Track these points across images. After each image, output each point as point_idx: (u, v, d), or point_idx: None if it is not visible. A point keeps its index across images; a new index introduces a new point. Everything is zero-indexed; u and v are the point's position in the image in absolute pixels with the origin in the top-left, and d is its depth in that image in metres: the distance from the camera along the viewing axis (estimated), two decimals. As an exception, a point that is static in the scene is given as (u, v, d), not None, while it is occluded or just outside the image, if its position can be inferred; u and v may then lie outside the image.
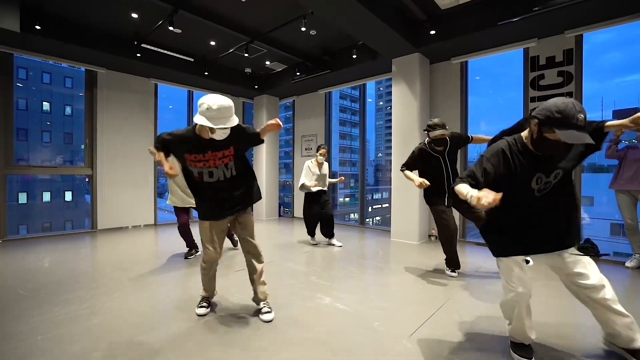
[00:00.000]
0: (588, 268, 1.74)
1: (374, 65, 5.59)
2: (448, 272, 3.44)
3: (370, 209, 39.01)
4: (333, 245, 4.81)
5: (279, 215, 8.24)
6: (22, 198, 23.35)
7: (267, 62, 6.36)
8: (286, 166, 9.36)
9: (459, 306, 2.64)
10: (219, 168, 2.20)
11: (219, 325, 2.28)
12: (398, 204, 5.21)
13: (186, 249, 4.22)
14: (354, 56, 5.34)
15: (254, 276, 2.46)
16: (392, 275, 3.45)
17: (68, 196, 24.68)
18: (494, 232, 1.90)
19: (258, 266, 2.46)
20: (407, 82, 5.04)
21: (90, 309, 2.53)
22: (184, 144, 2.15)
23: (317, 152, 4.80)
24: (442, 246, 3.47)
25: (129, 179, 6.28)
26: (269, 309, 2.41)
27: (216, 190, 2.26)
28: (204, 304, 2.50)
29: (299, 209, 7.88)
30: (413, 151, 3.41)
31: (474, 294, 2.90)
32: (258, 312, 2.44)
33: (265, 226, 6.70)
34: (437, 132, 3.18)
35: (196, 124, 2.10)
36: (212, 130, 2.03)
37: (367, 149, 7.08)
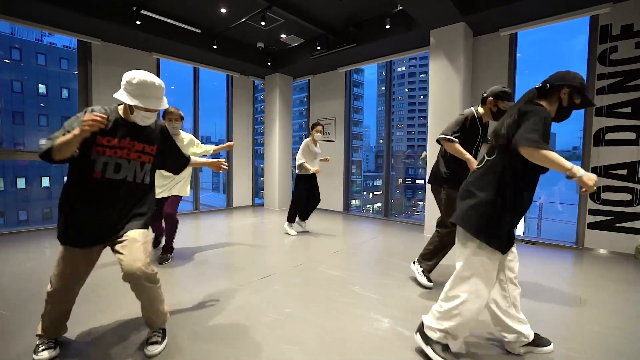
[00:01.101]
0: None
1: (404, 40, 4.91)
2: (422, 277, 2.80)
3: (370, 195, 38.92)
4: (302, 227, 4.81)
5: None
6: (21, 183, 22.79)
7: (283, 36, 5.65)
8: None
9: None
10: (131, 164, 1.74)
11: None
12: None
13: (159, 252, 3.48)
14: (387, 26, 4.62)
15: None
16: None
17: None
18: (497, 223, 1.64)
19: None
20: (449, 56, 4.37)
21: (87, 334, 1.94)
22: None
23: (312, 129, 4.54)
24: (439, 242, 2.82)
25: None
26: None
27: (111, 200, 1.70)
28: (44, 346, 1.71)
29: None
30: (465, 117, 2.68)
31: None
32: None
33: (280, 217, 6.12)
34: (507, 104, 2.55)
35: (120, 104, 1.76)
36: (130, 109, 1.69)
37: (367, 135, 6.46)
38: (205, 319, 2.15)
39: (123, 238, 1.68)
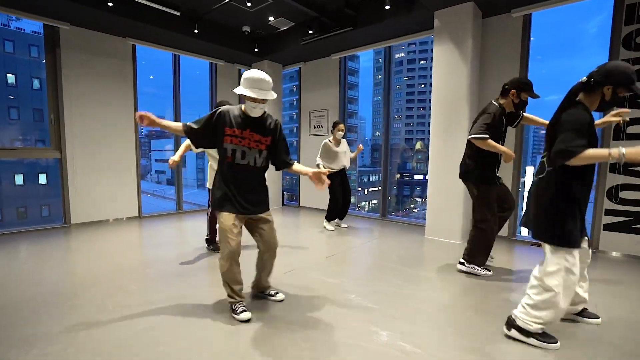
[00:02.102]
0: None
1: (405, 22, 4.79)
2: (481, 270, 3.13)
3: (366, 192, 38.77)
4: (340, 226, 5.22)
5: (282, 204, 7.59)
6: (-7, 181, 22.29)
7: (271, 19, 5.50)
8: (290, 146, 8.60)
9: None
10: (251, 150, 2.28)
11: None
12: (437, 194, 4.50)
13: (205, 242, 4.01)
14: (387, 7, 4.49)
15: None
16: (459, 293, 2.79)
17: (42, 179, 23.66)
18: (563, 215, 1.88)
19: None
20: (455, 40, 4.23)
21: (65, 348, 1.83)
22: (227, 116, 2.24)
23: (333, 129, 4.89)
24: (484, 236, 3.07)
25: (107, 163, 5.52)
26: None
27: (243, 177, 2.31)
28: (242, 307, 2.30)
29: (305, 197, 7.25)
30: (492, 113, 2.87)
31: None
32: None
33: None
34: (528, 95, 2.76)
35: (242, 104, 2.30)
36: (254, 100, 2.18)
37: (362, 127, 6.37)
38: (182, 330, 2.05)
39: (263, 217, 2.41)
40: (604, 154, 1.70)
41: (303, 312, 2.40)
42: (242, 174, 2.29)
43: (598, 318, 2.23)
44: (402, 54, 48.71)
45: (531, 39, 4.35)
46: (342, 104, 6.50)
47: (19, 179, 23.43)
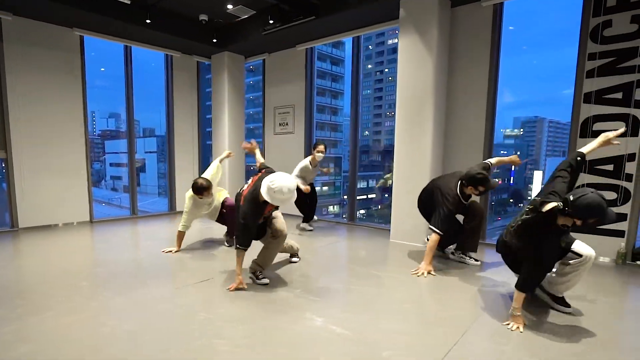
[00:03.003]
0: None
1: (372, 12, 5.27)
2: (470, 260, 4.00)
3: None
4: (305, 229, 5.73)
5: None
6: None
7: (229, 6, 5.93)
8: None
9: (492, 327, 2.49)
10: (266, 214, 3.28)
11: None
12: (402, 197, 4.98)
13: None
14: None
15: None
16: (401, 288, 3.28)
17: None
18: None
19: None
20: (420, 31, 4.67)
21: (16, 333, 2.27)
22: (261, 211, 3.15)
23: (314, 149, 5.34)
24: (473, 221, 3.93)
25: (56, 164, 5.88)
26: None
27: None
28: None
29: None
30: (450, 204, 3.68)
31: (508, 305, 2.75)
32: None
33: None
34: (484, 188, 3.57)
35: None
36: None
37: (348, 127, 6.79)
38: (140, 320, 2.48)
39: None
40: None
41: (242, 303, 2.86)
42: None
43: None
44: (396, 40, 49.22)
45: (510, 27, 4.74)
46: (309, 99, 6.92)
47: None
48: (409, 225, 4.89)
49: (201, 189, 4.09)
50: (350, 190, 6.74)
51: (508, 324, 2.42)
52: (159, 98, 7.57)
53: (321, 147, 5.32)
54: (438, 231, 3.61)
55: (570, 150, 4.30)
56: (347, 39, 6.28)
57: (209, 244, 4.87)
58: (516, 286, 2.48)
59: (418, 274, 3.53)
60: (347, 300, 2.97)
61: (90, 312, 2.67)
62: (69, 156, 6.03)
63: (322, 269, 3.90)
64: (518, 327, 2.39)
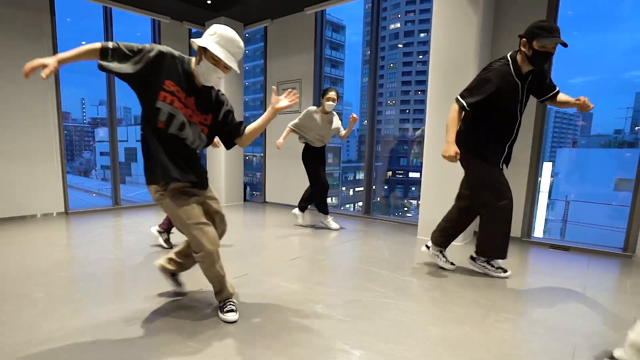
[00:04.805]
0: None
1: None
2: (495, 271, 3.04)
3: (351, 192, 38.48)
4: (330, 228, 4.82)
5: (245, 200, 7.42)
6: None
7: (227, -39, 5.18)
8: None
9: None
10: (191, 127, 2.04)
11: None
12: (433, 184, 4.26)
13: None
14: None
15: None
16: (454, 304, 2.55)
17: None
18: None
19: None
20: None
21: None
22: (173, 65, 1.95)
23: (322, 97, 4.56)
24: (491, 228, 2.94)
25: (24, 148, 5.20)
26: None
27: (177, 154, 2.02)
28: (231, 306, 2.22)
29: (270, 192, 7.05)
30: (488, 77, 2.66)
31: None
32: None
33: (227, 215, 5.68)
34: (552, 41, 2.44)
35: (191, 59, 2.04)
36: (218, 62, 1.94)
37: (348, 114, 6.13)
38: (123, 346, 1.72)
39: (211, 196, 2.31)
40: None
41: (252, 327, 2.10)
42: (177, 149, 2.03)
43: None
44: (399, 24, 48.61)
45: (569, 12, 4.10)
46: (318, 72, 6.27)
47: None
48: (441, 217, 4.14)
49: None
50: (367, 181, 6.07)
51: None
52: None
53: (332, 94, 4.48)
54: (461, 100, 2.74)
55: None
56: (348, 24, 5.63)
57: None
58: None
59: (446, 158, 2.76)
60: (385, 321, 2.21)
61: (37, 340, 1.91)
62: (39, 139, 5.34)
63: (343, 275, 3.19)
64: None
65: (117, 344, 1.89)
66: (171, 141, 1.98)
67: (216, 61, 1.93)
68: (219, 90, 2.21)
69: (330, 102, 4.46)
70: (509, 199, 2.81)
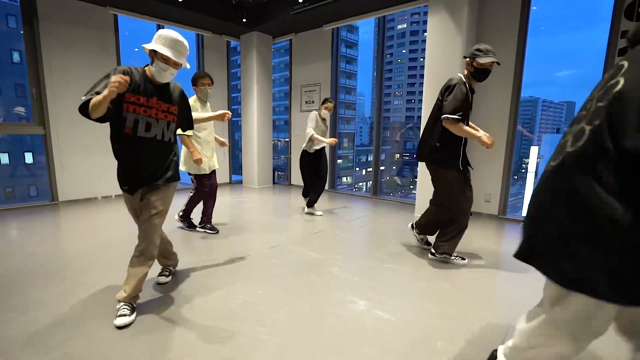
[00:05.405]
0: None
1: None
2: (456, 260, 3.00)
3: (364, 172, 39.13)
4: (314, 214, 4.78)
5: (274, 182, 7.73)
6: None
7: (259, -13, 5.50)
8: (286, 123, 8.62)
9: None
10: (159, 123, 2.07)
11: (217, 340, 1.76)
12: (425, 171, 4.54)
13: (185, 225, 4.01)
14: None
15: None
16: (439, 268, 2.96)
17: (29, 158, 23.60)
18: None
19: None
20: (450, 9, 4.28)
21: (49, 323, 1.98)
22: (131, 80, 1.92)
23: (322, 105, 4.61)
24: (449, 224, 2.95)
25: (93, 139, 5.54)
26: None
27: (145, 153, 2.08)
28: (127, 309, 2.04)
29: (297, 176, 7.38)
30: (459, 88, 2.68)
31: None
32: None
33: (259, 196, 6.15)
34: (489, 60, 2.59)
35: (146, 66, 2.06)
36: (167, 61, 1.96)
37: (361, 104, 6.43)
38: (174, 301, 2.22)
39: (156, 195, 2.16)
40: None
41: (285, 284, 2.57)
42: (147, 149, 2.07)
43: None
44: (405, 25, 47.90)
45: (533, 7, 4.34)
46: (334, 78, 6.55)
47: (5, 158, 23.40)
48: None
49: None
50: (375, 167, 6.41)
51: None
52: (187, 76, 7.22)
53: (330, 105, 4.54)
54: (456, 116, 2.65)
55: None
56: (361, 25, 5.87)
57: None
58: None
59: (488, 144, 2.64)
60: (386, 281, 2.65)
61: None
62: (106, 132, 5.69)
63: (355, 245, 3.60)
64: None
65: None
66: (138, 143, 2.01)
67: (166, 60, 1.96)
68: (176, 83, 2.21)
69: (327, 112, 4.57)
70: (463, 214, 2.87)
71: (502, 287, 2.61)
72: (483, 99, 4.57)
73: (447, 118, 2.67)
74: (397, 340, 1.86)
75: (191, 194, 3.81)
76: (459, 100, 2.66)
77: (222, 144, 3.79)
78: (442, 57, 4.40)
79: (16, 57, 25.77)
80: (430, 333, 1.94)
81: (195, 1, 5.68)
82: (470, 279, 2.69)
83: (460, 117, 2.66)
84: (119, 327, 1.92)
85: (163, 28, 6.27)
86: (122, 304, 2.03)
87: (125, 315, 1.97)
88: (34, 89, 5.09)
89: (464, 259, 3.01)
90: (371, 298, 2.34)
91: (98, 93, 1.81)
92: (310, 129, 4.45)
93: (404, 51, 48.05)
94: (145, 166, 2.09)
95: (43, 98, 5.10)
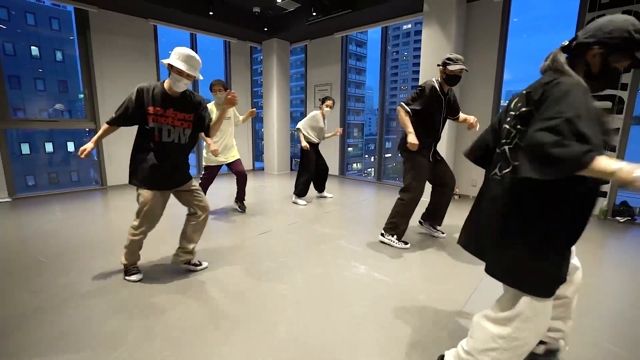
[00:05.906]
0: None
1: (401, 4, 5.01)
2: (398, 244, 3.09)
3: (372, 159, 39.47)
4: (325, 197, 5.03)
5: (291, 169, 8.06)
6: (25, 149, 23.10)
7: (279, 0, 5.73)
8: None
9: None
10: (176, 129, 2.24)
11: (242, 300, 2.15)
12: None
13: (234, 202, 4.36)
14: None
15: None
16: (428, 241, 3.30)
17: (70, 146, 24.41)
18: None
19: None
20: (441, 23, 4.50)
21: (117, 280, 2.40)
22: (148, 95, 2.16)
23: (322, 103, 4.60)
24: (403, 208, 3.09)
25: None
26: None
27: (169, 155, 2.26)
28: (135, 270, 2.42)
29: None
30: (422, 88, 2.88)
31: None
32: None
33: (278, 181, 6.52)
34: (457, 67, 2.76)
35: (164, 81, 2.22)
36: (181, 73, 2.10)
37: (370, 97, 6.70)
38: (215, 266, 2.62)
39: (190, 188, 2.43)
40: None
41: (301, 253, 2.94)
42: (170, 151, 2.26)
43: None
44: (410, 25, 47.22)
45: (514, 19, 4.56)
46: (343, 79, 6.79)
47: (49, 147, 24.24)
48: (428, 185, 4.79)
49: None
50: (378, 155, 6.70)
51: None
52: (216, 76, 7.53)
53: (329, 102, 4.53)
54: (405, 106, 2.88)
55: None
56: (376, 28, 6.02)
57: (234, 211, 4.96)
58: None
59: (411, 147, 2.85)
60: (386, 252, 2.99)
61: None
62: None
63: (360, 223, 3.90)
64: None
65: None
66: (163, 146, 2.22)
67: (180, 72, 2.10)
68: (197, 95, 2.35)
69: (328, 109, 4.56)
70: (418, 194, 3.07)
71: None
72: (472, 90, 4.85)
73: (402, 104, 2.91)
74: (389, 295, 2.22)
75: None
76: (417, 95, 2.89)
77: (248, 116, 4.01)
78: (435, 63, 4.54)
79: (59, 56, 26.34)
80: (415, 290, 2.29)
81: (223, 13, 5.96)
82: (455, 249, 3.02)
83: (406, 108, 2.88)
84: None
85: (194, 35, 6.62)
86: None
87: (198, 265, 2.55)
88: (86, 90, 5.48)
89: (407, 243, 3.10)
90: (370, 264, 2.70)
91: (118, 115, 2.22)
92: (301, 123, 4.54)
93: (405, 54, 47.49)
94: (166, 165, 2.26)
95: (94, 97, 5.48)
